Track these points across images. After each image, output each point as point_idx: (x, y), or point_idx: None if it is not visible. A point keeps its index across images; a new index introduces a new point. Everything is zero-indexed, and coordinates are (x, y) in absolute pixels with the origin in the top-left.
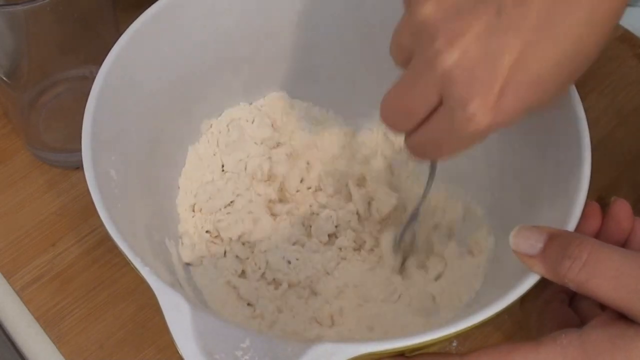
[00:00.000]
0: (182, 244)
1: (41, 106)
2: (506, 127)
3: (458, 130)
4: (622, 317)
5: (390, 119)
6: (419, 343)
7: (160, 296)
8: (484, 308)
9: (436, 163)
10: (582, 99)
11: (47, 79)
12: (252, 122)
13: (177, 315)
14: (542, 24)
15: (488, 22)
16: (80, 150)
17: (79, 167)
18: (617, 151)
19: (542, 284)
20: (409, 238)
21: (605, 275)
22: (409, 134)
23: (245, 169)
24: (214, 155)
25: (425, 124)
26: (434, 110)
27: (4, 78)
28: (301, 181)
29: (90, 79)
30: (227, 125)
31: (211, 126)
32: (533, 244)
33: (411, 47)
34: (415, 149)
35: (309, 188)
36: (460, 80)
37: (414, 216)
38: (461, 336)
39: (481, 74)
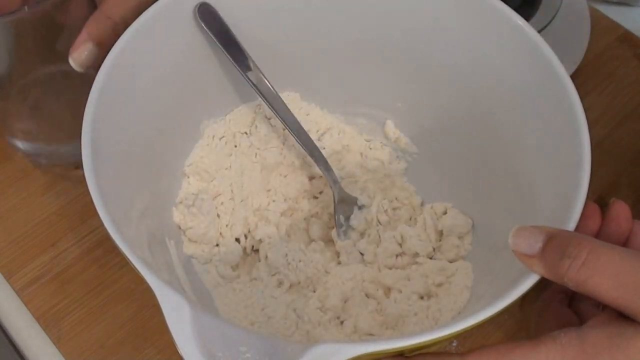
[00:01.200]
0: (186, 237)
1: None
2: None
3: None
4: (621, 316)
5: None
6: (419, 343)
7: (160, 296)
8: (484, 308)
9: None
10: (582, 99)
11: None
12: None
13: (177, 315)
14: None
15: None
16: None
17: (79, 167)
18: (617, 151)
19: (542, 285)
20: (357, 223)
21: (604, 274)
22: None
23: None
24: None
25: None
26: None
27: None
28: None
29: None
30: (254, 122)
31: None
32: (532, 243)
33: None
34: None
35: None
36: None
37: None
38: (461, 336)
39: None
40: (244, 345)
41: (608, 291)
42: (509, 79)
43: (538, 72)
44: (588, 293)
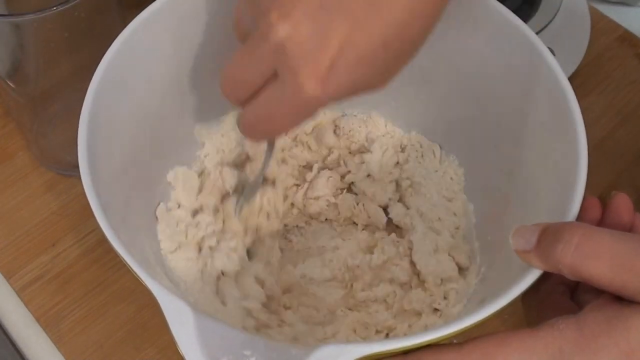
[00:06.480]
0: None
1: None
2: (335, 100)
3: (289, 101)
4: (618, 299)
5: (228, 88)
6: (421, 342)
7: (163, 302)
8: (484, 307)
9: (273, 143)
10: (582, 99)
11: (57, 89)
12: None
13: (180, 321)
14: (368, 7)
15: (320, 1)
16: None
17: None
18: (617, 151)
19: (544, 277)
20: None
21: (598, 255)
22: (245, 107)
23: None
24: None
25: (259, 95)
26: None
27: (11, 84)
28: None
29: None
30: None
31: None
32: (528, 239)
33: (249, 22)
34: (249, 123)
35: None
36: (292, 52)
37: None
38: (463, 335)
39: (311, 47)
40: (248, 349)
41: (604, 273)
42: (507, 79)
43: (535, 72)
44: (583, 278)
